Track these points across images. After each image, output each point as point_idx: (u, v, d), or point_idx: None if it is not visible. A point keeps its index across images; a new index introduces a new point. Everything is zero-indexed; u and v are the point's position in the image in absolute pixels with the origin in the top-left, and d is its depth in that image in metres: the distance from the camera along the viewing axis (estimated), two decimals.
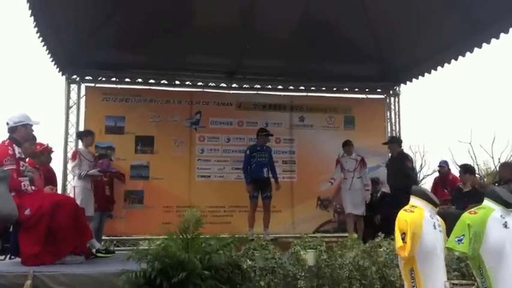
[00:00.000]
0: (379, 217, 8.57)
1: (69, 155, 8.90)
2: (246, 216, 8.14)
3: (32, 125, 5.58)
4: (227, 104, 9.89)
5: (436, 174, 10.06)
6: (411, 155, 26.56)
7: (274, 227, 8.46)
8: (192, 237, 4.59)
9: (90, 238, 5.93)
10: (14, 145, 5.29)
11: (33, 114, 5.59)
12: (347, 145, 8.69)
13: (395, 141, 8.58)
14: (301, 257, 4.84)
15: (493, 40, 7.21)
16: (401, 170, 8.11)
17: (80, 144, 7.90)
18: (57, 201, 5.42)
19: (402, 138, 10.53)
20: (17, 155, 5.29)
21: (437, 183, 9.45)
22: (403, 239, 3.48)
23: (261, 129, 8.55)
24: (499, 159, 25.03)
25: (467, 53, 7.82)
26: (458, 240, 3.73)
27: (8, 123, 5.41)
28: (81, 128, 9.07)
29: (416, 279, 3.50)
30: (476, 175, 9.90)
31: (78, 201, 6.98)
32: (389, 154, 8.62)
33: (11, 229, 5.87)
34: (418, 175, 28.41)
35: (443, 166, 9.32)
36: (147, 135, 9.21)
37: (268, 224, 8.01)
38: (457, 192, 7.80)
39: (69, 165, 7.27)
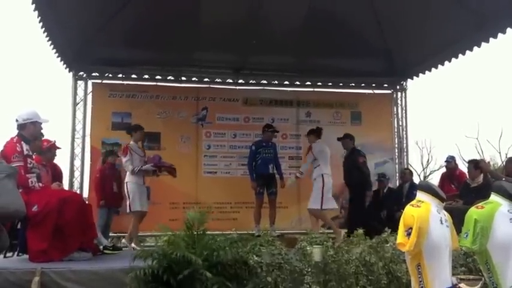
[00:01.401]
0: (385, 212, 8.56)
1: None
2: (252, 212, 8.15)
3: (41, 123, 5.59)
4: (233, 100, 9.91)
5: (443, 169, 10.03)
6: (418, 150, 26.61)
7: (280, 223, 8.46)
8: (198, 234, 4.60)
9: (95, 236, 5.94)
10: (22, 142, 5.31)
11: (40, 111, 5.59)
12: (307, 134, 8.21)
13: (347, 137, 8.36)
14: (308, 253, 4.84)
15: (500, 35, 7.16)
16: (354, 165, 7.98)
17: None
18: (64, 197, 5.44)
19: (409, 133, 10.62)
20: (25, 152, 5.30)
21: (444, 178, 9.42)
22: (409, 234, 3.47)
23: (267, 125, 8.52)
24: (506, 154, 25.06)
25: (475, 48, 7.78)
26: (466, 235, 3.74)
27: (17, 120, 5.42)
28: (88, 125, 9.14)
29: (423, 274, 3.49)
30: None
31: (130, 197, 7.10)
32: (344, 151, 8.49)
33: (18, 226, 5.90)
34: (425, 170, 28.55)
35: (450, 161, 9.28)
36: (153, 131, 9.21)
37: (274, 220, 7.99)
38: (465, 188, 7.77)
39: (122, 160, 7.32)
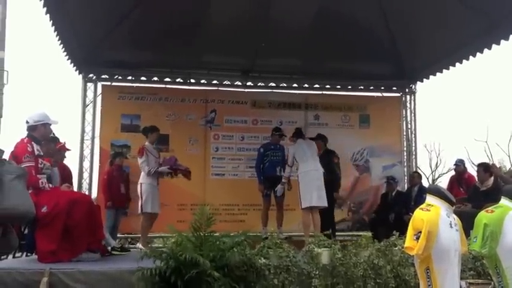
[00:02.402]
0: (393, 216, 8.52)
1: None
2: (260, 214, 8.15)
3: (51, 125, 5.63)
4: (242, 102, 9.92)
5: (452, 172, 9.98)
6: (427, 153, 26.49)
7: (288, 226, 8.45)
8: (205, 235, 4.60)
9: (103, 237, 5.96)
10: (33, 143, 5.34)
11: (50, 113, 5.63)
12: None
13: (319, 138, 8.29)
14: (316, 256, 4.83)
15: (511, 36, 7.11)
16: (328, 165, 7.83)
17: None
18: (74, 198, 5.46)
19: (418, 136, 10.58)
20: (36, 153, 5.33)
21: (453, 181, 9.36)
22: (418, 237, 3.46)
23: (275, 128, 8.52)
24: None
25: (485, 50, 7.72)
26: (475, 239, 3.72)
27: (28, 122, 5.45)
28: (97, 127, 9.18)
29: (432, 278, 3.48)
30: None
31: (143, 198, 7.07)
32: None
33: (25, 231, 5.94)
34: (434, 174, 28.39)
35: (459, 165, 9.22)
36: (162, 133, 9.18)
37: (281, 222, 7.99)
38: (474, 191, 7.72)
39: (138, 161, 7.26)
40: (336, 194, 8.04)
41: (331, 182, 7.81)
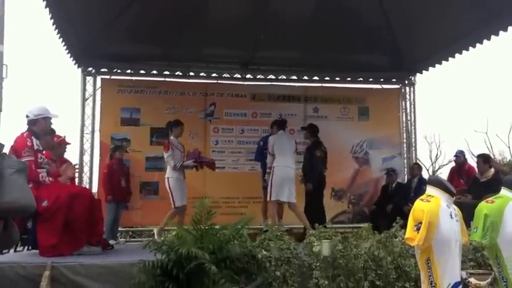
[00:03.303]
0: (391, 207, 8.54)
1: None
2: (260, 207, 8.16)
3: (51, 118, 5.63)
4: (241, 95, 9.92)
5: (452, 164, 9.99)
6: (427, 145, 26.46)
7: (288, 218, 8.44)
8: (206, 228, 4.62)
9: (103, 231, 5.98)
10: (32, 137, 5.34)
11: (50, 107, 5.63)
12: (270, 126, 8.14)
13: (306, 129, 8.26)
14: (316, 248, 4.84)
15: (510, 28, 7.10)
16: (311, 159, 7.87)
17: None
18: (74, 192, 5.46)
19: (417, 128, 10.56)
20: (35, 147, 5.33)
21: (453, 173, 9.37)
22: (418, 228, 3.47)
23: (274, 121, 8.50)
24: None
25: (485, 41, 7.70)
26: (476, 229, 3.73)
27: (28, 116, 5.45)
28: (97, 120, 9.18)
29: (432, 268, 3.49)
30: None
31: (173, 193, 7.13)
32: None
33: (29, 225, 5.94)
34: (434, 165, 28.42)
35: (460, 156, 9.22)
36: (162, 127, 9.21)
37: (282, 214, 7.99)
38: (474, 182, 7.74)
39: (164, 155, 7.32)
40: (308, 185, 7.85)
41: (311, 177, 7.82)
